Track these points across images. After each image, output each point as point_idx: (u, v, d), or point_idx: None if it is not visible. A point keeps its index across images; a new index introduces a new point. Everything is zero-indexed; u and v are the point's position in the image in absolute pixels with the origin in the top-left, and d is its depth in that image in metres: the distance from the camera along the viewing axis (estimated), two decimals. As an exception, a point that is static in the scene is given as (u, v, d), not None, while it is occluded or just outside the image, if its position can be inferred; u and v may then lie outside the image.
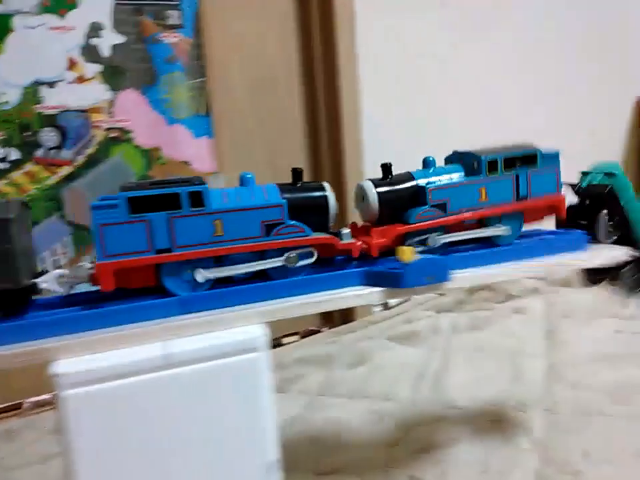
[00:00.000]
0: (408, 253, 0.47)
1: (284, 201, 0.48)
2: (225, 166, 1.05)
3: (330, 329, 1.25)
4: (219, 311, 0.43)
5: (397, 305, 1.33)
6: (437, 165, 0.56)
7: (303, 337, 1.23)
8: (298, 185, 0.50)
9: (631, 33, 1.65)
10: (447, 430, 0.79)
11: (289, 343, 1.20)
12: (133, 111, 0.96)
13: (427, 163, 0.56)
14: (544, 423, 0.78)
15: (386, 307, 1.34)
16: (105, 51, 0.95)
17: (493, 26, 1.43)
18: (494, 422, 0.80)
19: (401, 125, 1.26)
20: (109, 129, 0.95)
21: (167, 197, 0.43)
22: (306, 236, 0.48)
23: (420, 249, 0.53)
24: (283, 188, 0.49)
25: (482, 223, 0.56)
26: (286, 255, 0.47)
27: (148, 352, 0.38)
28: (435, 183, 0.54)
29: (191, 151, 1.01)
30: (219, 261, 0.46)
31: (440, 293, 1.35)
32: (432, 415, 0.83)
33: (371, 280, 0.48)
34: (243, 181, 0.49)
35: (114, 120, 0.95)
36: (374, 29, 1.22)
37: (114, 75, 0.95)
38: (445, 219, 0.54)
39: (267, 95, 1.15)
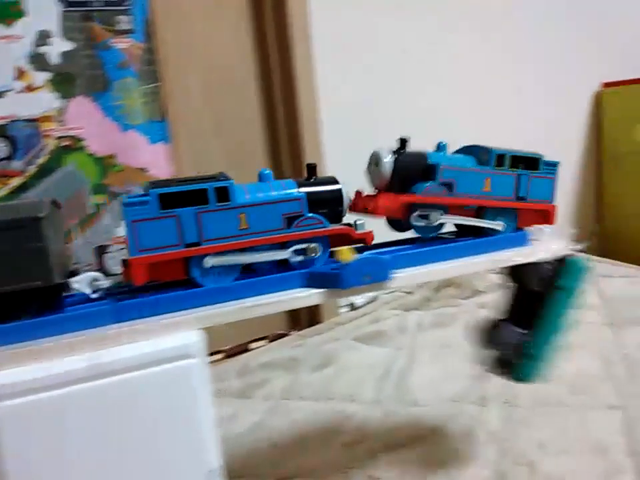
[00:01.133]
0: (346, 253, 0.47)
1: (303, 194, 0.50)
2: (183, 171, 1.04)
3: (297, 332, 1.25)
4: (154, 318, 0.42)
5: (364, 305, 1.33)
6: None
7: (271, 341, 1.23)
8: (313, 180, 0.52)
9: (588, 23, 1.67)
10: (408, 428, 0.79)
11: (256, 348, 1.20)
12: (84, 119, 0.94)
13: (440, 147, 0.58)
14: (503, 416, 0.79)
15: (353, 307, 1.34)
16: (54, 59, 0.93)
17: (455, 18, 1.44)
18: (454, 417, 0.80)
19: (360, 124, 1.26)
20: (60, 138, 0.93)
21: (195, 192, 0.45)
22: (324, 227, 0.50)
23: (421, 223, 0.55)
24: (300, 183, 0.52)
25: (479, 214, 0.58)
26: (296, 246, 0.50)
27: (74, 363, 0.37)
28: (446, 161, 0.56)
29: (147, 158, 1.00)
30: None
31: (407, 292, 1.35)
32: (395, 414, 0.84)
33: (311, 281, 0.48)
34: (262, 177, 0.51)
35: (65, 128, 0.93)
36: (330, 25, 1.22)
37: (64, 83, 0.94)
38: (450, 198, 0.56)
39: (224, 97, 1.14)
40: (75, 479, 0.38)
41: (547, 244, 0.59)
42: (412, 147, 0.57)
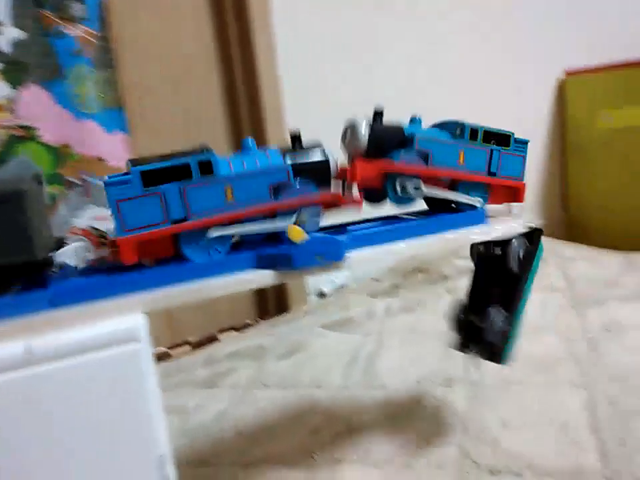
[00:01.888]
0: (297, 233, 0.46)
1: (289, 163, 0.50)
2: (142, 161, 1.02)
3: (265, 320, 1.24)
4: (96, 302, 0.41)
5: (333, 293, 1.33)
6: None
7: (239, 330, 1.22)
8: (297, 147, 0.52)
9: (551, 10, 1.69)
10: (375, 411, 0.79)
11: (224, 338, 1.18)
12: (37, 108, 0.92)
13: (414, 121, 0.58)
14: (467, 396, 0.79)
15: (322, 295, 1.34)
16: (5, 47, 0.90)
17: (419, 3, 1.43)
18: (420, 399, 0.80)
19: (324, 111, 1.25)
20: (12, 127, 0.90)
21: (177, 168, 0.45)
22: (311, 195, 0.50)
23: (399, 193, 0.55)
24: (284, 151, 0.51)
25: (452, 188, 0.58)
26: (296, 214, 0.49)
27: (9, 349, 0.36)
28: (422, 132, 0.56)
29: (104, 147, 0.97)
30: None
31: (374, 279, 1.35)
32: (361, 398, 0.84)
33: (262, 262, 0.47)
34: (245, 147, 0.50)
35: (17, 118, 0.91)
36: (291, 12, 1.21)
37: (15, 71, 0.91)
38: (426, 169, 0.56)
39: (184, 85, 1.12)
40: (17, 470, 0.37)
41: (503, 222, 0.59)
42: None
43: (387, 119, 0.58)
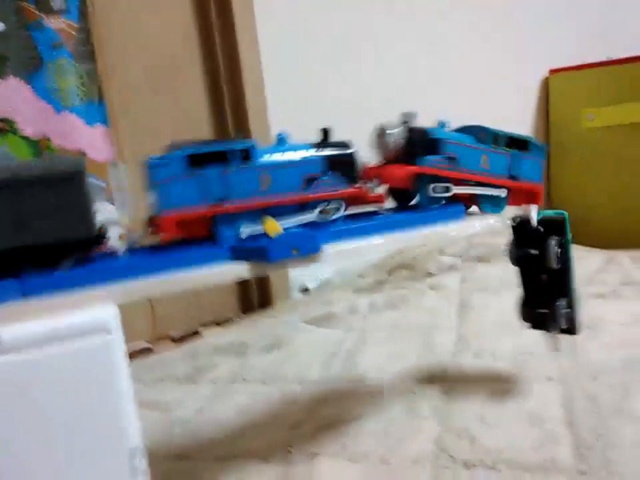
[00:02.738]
0: (272, 226, 0.47)
1: (321, 156, 0.53)
2: (124, 154, 1.01)
3: (248, 315, 1.24)
4: (67, 293, 0.41)
5: (317, 288, 1.33)
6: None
7: (222, 325, 1.22)
8: (327, 143, 0.55)
9: (536, 9, 1.70)
10: (354, 406, 0.79)
11: (206, 333, 1.18)
12: (17, 101, 0.91)
13: (440, 125, 0.61)
14: (447, 391, 0.80)
15: (306, 291, 1.34)
16: (-16, 39, 0.89)
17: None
18: (400, 395, 0.81)
19: (306, 105, 1.25)
20: (-9, 120, 0.90)
21: (220, 153, 0.48)
22: (341, 189, 0.53)
23: (432, 194, 0.57)
24: (315, 145, 0.54)
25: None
26: (320, 207, 0.53)
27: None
28: (449, 137, 0.59)
29: (84, 140, 0.97)
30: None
31: (359, 275, 1.36)
32: (342, 393, 0.84)
33: (238, 255, 0.47)
34: (280, 140, 0.53)
35: (-4, 110, 0.90)
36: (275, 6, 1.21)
37: (-5, 64, 0.90)
38: (454, 172, 0.58)
39: (166, 78, 1.11)
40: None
41: (481, 218, 0.60)
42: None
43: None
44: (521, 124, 1.73)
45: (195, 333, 1.18)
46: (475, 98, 1.59)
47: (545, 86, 1.74)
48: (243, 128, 1.18)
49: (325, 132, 0.55)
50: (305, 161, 0.52)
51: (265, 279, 1.25)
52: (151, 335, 1.15)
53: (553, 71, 1.72)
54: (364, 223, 0.54)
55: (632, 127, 1.52)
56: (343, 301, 1.23)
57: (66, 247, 0.43)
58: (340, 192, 0.53)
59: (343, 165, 0.54)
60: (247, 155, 0.49)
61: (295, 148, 0.53)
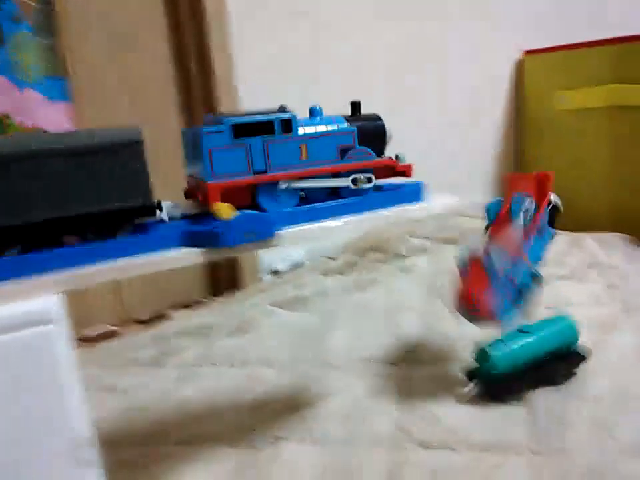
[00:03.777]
0: (226, 210, 0.46)
1: (355, 127, 0.55)
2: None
3: (217, 298, 1.23)
4: (9, 282, 0.39)
5: (287, 271, 1.33)
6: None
7: (190, 308, 1.20)
8: (358, 115, 0.57)
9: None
10: (319, 389, 0.79)
11: (174, 316, 1.17)
12: (-26, 76, 0.88)
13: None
14: (410, 373, 0.80)
15: (276, 273, 1.33)
16: (-61, 12, 0.86)
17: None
18: (364, 377, 0.81)
19: (274, 75, 1.23)
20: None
21: (263, 123, 0.50)
22: (372, 159, 0.55)
23: None
24: (347, 118, 0.56)
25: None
26: (353, 176, 0.55)
27: None
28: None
29: (46, 117, 0.94)
30: None
31: (330, 257, 1.35)
32: (307, 376, 0.84)
33: (189, 240, 0.46)
34: (313, 112, 0.55)
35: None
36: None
37: (-50, 37, 0.86)
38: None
39: (130, 51, 1.08)
40: None
41: (440, 198, 0.59)
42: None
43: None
44: (495, 105, 1.73)
45: (163, 316, 1.16)
46: (447, 80, 1.58)
47: (520, 67, 1.74)
48: (210, 97, 1.15)
49: (354, 105, 0.57)
50: (339, 133, 0.54)
51: (233, 261, 1.24)
52: (118, 318, 1.14)
53: (527, 52, 1.71)
54: (322, 205, 0.54)
55: (606, 109, 1.53)
56: (313, 283, 1.23)
57: (125, 214, 0.44)
58: (372, 162, 0.55)
59: (373, 137, 0.56)
60: (288, 125, 0.51)
61: (329, 120, 0.54)
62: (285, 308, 1.11)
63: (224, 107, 1.14)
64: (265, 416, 0.74)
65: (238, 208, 0.49)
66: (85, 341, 1.04)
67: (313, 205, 0.53)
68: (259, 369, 0.87)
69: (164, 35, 1.13)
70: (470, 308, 0.71)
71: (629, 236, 1.30)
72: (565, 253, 1.21)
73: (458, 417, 0.69)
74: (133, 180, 0.44)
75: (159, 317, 1.16)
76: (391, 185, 0.59)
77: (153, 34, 1.12)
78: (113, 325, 1.11)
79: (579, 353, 0.75)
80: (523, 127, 1.77)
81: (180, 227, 0.48)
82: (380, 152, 0.57)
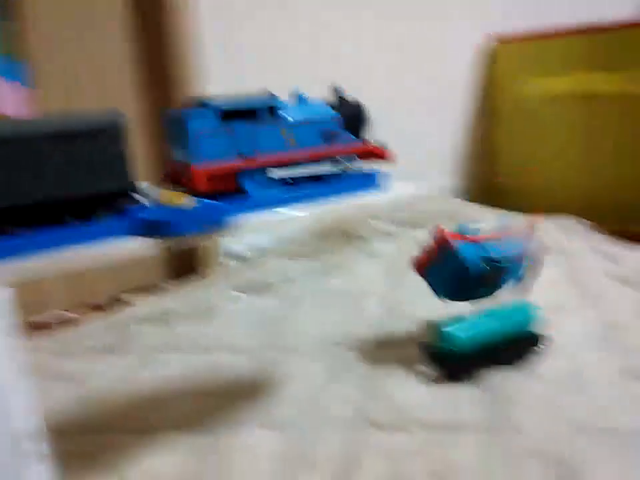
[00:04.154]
0: (177, 198, 0.44)
1: (337, 114, 0.55)
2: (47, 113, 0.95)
3: (177, 282, 1.21)
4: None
5: (250, 254, 1.31)
6: None
7: (150, 293, 1.18)
8: (340, 101, 0.58)
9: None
10: (280, 374, 0.79)
11: (133, 301, 1.15)
12: None
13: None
14: (371, 357, 0.81)
15: (239, 258, 1.32)
16: None
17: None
18: (327, 361, 0.81)
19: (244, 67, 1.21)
20: None
21: (249, 109, 0.50)
22: (355, 144, 0.56)
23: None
24: (330, 104, 0.57)
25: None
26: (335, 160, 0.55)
27: None
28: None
29: (4, 101, 0.89)
30: None
31: (295, 241, 1.34)
32: (269, 361, 0.83)
33: (139, 230, 0.45)
34: (298, 98, 0.56)
35: None
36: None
37: None
38: None
39: (89, 34, 1.04)
40: None
41: (399, 185, 0.59)
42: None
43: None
44: (464, 91, 1.73)
45: (121, 302, 1.14)
46: (418, 68, 1.57)
47: (493, 55, 1.74)
48: (168, 76, 1.12)
49: (337, 90, 0.58)
50: (323, 118, 0.54)
51: (195, 246, 1.22)
52: (72, 303, 1.11)
53: (499, 39, 1.71)
54: (280, 194, 0.53)
55: (577, 97, 1.54)
56: (276, 267, 1.22)
57: (103, 198, 0.43)
58: (355, 147, 0.56)
59: (355, 122, 0.57)
60: (273, 111, 0.51)
61: (312, 106, 0.55)
62: (247, 293, 1.10)
63: (183, 86, 1.12)
64: (226, 402, 0.73)
65: (222, 192, 0.50)
66: (38, 328, 1.01)
67: (271, 193, 0.52)
68: (221, 355, 0.87)
69: (125, 14, 1.10)
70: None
71: (589, 222, 1.32)
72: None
73: (416, 397, 0.70)
74: (111, 164, 0.43)
75: (116, 302, 1.14)
76: (353, 172, 0.58)
77: (114, 13, 1.08)
78: (67, 311, 1.08)
79: (535, 335, 0.76)
80: (493, 114, 1.77)
81: (133, 214, 0.46)
82: (361, 136, 0.58)
